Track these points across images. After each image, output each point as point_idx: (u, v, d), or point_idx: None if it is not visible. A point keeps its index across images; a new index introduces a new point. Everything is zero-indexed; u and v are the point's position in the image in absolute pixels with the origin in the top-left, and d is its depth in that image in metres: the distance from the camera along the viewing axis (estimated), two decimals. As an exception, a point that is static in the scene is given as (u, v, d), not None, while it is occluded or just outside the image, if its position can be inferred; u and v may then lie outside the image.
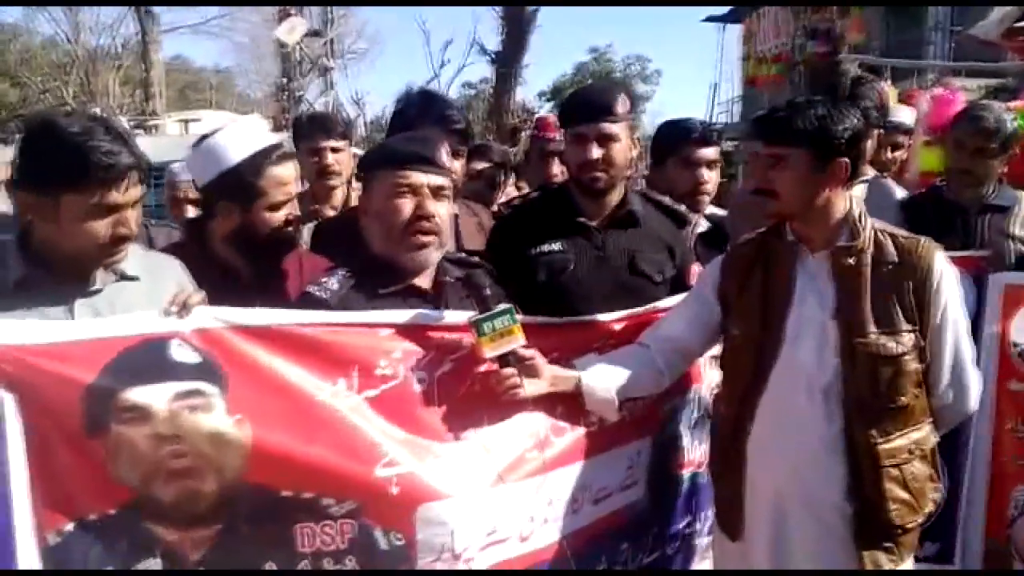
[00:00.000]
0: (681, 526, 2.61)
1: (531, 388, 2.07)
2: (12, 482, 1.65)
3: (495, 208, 3.53)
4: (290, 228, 2.33)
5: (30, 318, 1.77)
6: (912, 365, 2.12)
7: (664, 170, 3.17)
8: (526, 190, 4.36)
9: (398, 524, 1.93)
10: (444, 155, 2.17)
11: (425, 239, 2.11)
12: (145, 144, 2.59)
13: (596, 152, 2.46)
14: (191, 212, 3.97)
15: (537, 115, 8.91)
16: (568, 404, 2.21)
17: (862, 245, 2.14)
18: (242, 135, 2.30)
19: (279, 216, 2.28)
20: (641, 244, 2.58)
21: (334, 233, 2.78)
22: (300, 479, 1.86)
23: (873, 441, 2.11)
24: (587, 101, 2.55)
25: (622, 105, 2.49)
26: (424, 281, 2.18)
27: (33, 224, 1.88)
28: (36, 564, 1.69)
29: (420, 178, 2.10)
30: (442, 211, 2.14)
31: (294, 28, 15.73)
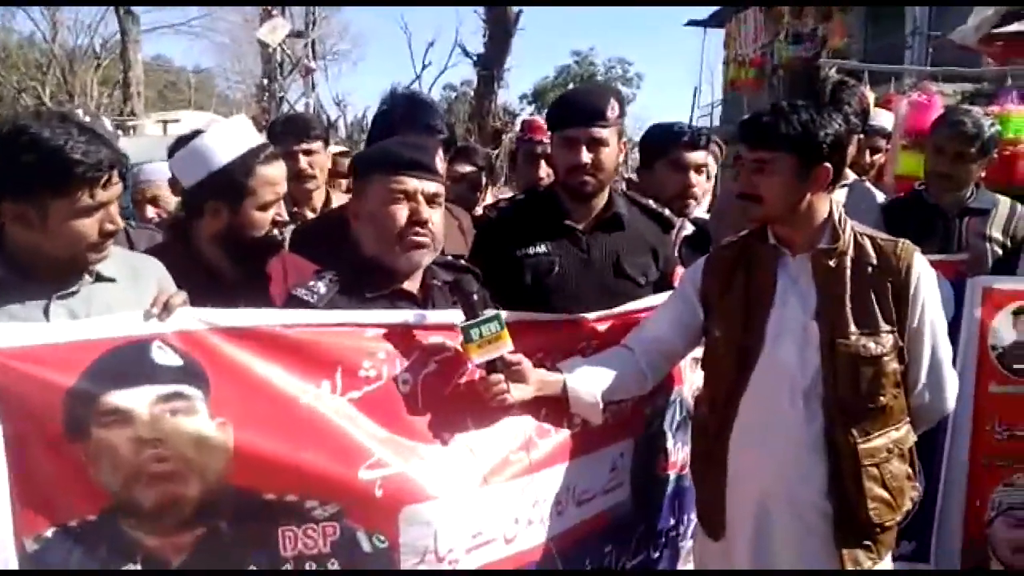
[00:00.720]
0: (665, 528, 2.62)
1: (518, 393, 2.07)
2: (-9, 485, 1.63)
3: (479, 211, 3.52)
4: (276, 230, 2.32)
5: (3, 320, 1.74)
6: (892, 365, 2.14)
7: (652, 173, 3.18)
8: (502, 193, 4.34)
9: (382, 526, 1.92)
10: (439, 162, 2.17)
11: (419, 243, 2.10)
12: (125, 145, 2.56)
13: (586, 156, 2.46)
14: (151, 212, 3.93)
15: (523, 118, 8.91)
16: (552, 406, 2.21)
17: (843, 247, 2.16)
18: (230, 135, 2.29)
19: (267, 216, 2.27)
20: (626, 247, 2.59)
21: (313, 235, 2.75)
22: (283, 482, 1.85)
23: (853, 441, 2.13)
24: (578, 105, 2.54)
25: (612, 110, 2.49)
26: (412, 285, 2.18)
27: (8, 228, 1.85)
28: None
29: (416, 184, 2.10)
30: (436, 218, 2.14)
31: (276, 28, 15.62)
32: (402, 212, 2.09)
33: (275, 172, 2.28)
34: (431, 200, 2.12)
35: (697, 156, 3.09)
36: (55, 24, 28.61)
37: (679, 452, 2.62)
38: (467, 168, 3.77)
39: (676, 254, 2.91)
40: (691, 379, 2.64)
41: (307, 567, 1.88)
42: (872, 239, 2.20)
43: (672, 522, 2.65)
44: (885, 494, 2.16)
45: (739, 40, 17.19)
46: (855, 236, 2.19)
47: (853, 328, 2.13)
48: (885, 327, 2.14)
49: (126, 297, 1.92)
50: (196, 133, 2.31)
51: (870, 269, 2.16)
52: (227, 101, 33.62)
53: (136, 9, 22.63)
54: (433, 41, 32.71)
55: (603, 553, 2.40)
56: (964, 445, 2.87)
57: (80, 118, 2.51)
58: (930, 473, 2.84)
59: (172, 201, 3.72)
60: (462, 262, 2.38)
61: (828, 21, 14.09)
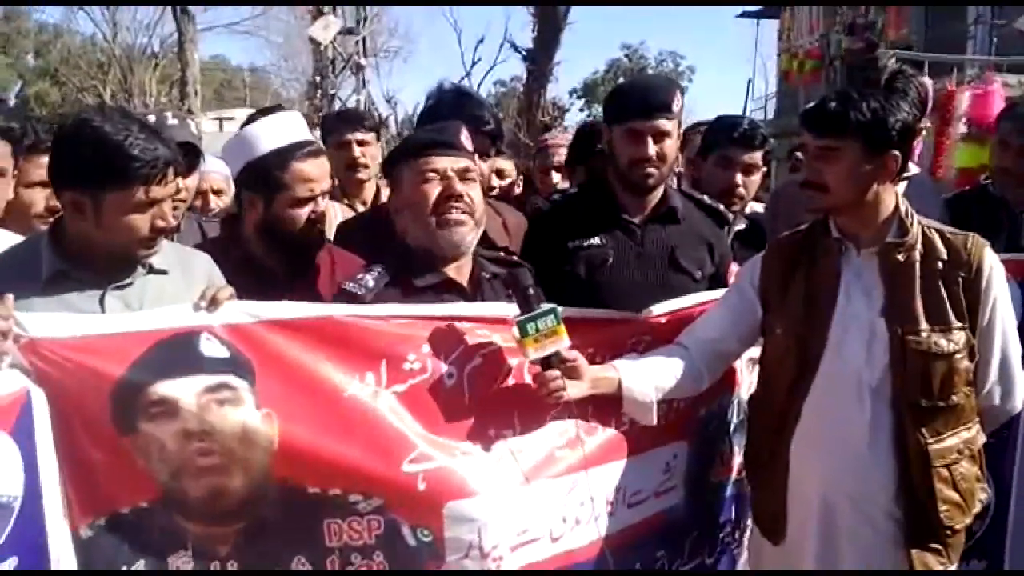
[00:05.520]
0: (721, 535, 2.55)
1: (573, 390, 2.01)
2: (42, 476, 1.65)
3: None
4: (317, 226, 2.28)
5: (61, 312, 1.77)
6: (964, 363, 2.07)
7: (705, 164, 3.10)
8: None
9: (426, 520, 1.91)
10: (464, 139, 2.16)
11: (456, 219, 2.08)
12: (180, 142, 2.59)
13: (652, 149, 2.42)
14: (214, 203, 3.97)
15: (571, 114, 8.90)
16: (600, 404, 2.15)
17: (911, 241, 2.09)
18: (275, 127, 2.29)
19: (301, 213, 2.23)
20: (681, 241, 2.53)
21: (358, 231, 2.70)
22: (327, 475, 1.85)
23: (924, 441, 2.06)
24: (644, 96, 2.48)
25: (677, 102, 2.46)
26: (460, 276, 2.15)
27: (65, 220, 1.89)
28: (71, 558, 1.69)
29: (444, 162, 2.10)
30: (473, 193, 2.12)
31: (328, 26, 15.74)
32: (434, 190, 2.09)
33: (310, 169, 2.24)
34: (463, 176, 2.11)
35: (746, 156, 2.98)
36: (115, 25, 29.38)
37: (738, 457, 2.53)
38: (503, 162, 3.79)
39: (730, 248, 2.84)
40: (749, 380, 2.56)
41: (352, 559, 1.88)
42: (940, 233, 2.12)
43: (729, 529, 2.57)
44: (956, 496, 2.09)
45: (794, 31, 16.86)
46: (923, 230, 2.11)
47: (924, 324, 2.05)
48: (957, 323, 2.06)
49: (178, 289, 1.95)
50: (252, 121, 2.32)
51: (940, 264, 2.08)
52: (282, 99, 34.13)
53: (192, 9, 23.08)
54: (483, 37, 32.83)
55: (655, 558, 2.34)
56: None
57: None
58: (1000, 483, 2.67)
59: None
60: (515, 257, 2.34)
61: (884, 12, 13.74)
